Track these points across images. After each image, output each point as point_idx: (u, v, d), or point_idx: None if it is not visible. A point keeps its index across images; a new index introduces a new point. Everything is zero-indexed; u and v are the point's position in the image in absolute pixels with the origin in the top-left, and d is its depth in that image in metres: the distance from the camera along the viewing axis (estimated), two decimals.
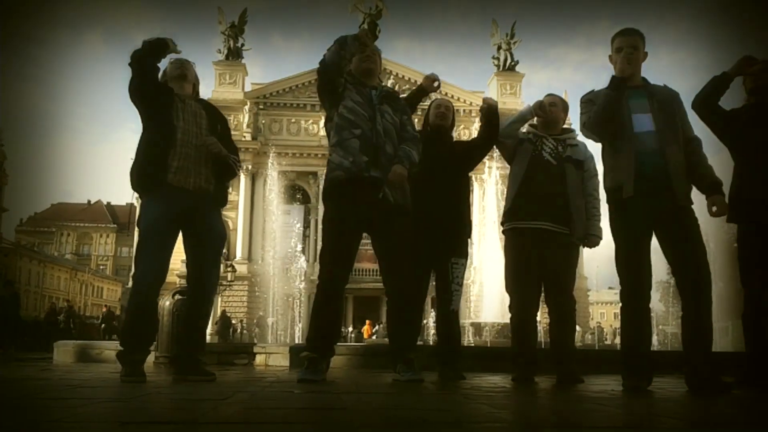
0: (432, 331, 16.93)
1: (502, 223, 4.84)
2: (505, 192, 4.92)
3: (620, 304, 4.21)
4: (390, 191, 4.22)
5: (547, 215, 4.60)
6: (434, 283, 4.95)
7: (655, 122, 4.13)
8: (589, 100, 4.34)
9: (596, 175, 4.88)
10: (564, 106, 4.98)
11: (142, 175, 4.28)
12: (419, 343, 5.50)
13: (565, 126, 5.02)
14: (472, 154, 5.09)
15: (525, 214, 4.64)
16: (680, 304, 4.08)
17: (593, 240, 4.78)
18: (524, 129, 4.97)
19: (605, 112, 4.14)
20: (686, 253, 4.04)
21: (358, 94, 4.33)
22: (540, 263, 4.64)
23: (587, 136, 4.39)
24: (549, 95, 5.01)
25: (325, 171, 4.47)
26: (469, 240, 5.05)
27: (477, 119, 42.53)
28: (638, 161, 4.04)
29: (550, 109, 4.85)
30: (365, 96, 4.35)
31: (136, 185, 4.32)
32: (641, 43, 4.26)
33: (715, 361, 3.98)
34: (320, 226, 4.56)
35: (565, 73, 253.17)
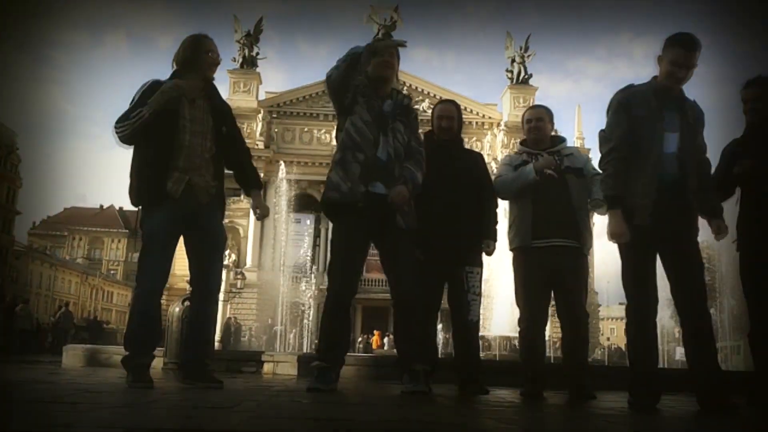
0: (441, 341, 16.83)
1: (510, 243, 4.78)
2: (509, 218, 4.83)
3: (626, 321, 4.12)
4: (400, 217, 4.21)
5: (557, 231, 4.57)
6: (447, 293, 4.89)
7: (681, 144, 3.92)
8: (616, 118, 3.97)
9: (597, 174, 4.51)
10: (550, 118, 4.89)
11: (143, 188, 4.20)
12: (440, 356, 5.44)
13: (554, 134, 4.94)
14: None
15: (533, 233, 4.60)
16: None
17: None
18: (515, 150, 4.87)
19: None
20: (687, 275, 3.95)
21: (368, 110, 4.25)
22: (551, 279, 4.61)
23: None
24: (533, 109, 4.95)
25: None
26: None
27: (490, 132, 42.69)
28: (659, 189, 3.84)
29: (537, 125, 4.82)
30: (375, 112, 4.26)
31: (137, 200, 4.25)
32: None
33: (725, 380, 3.93)
34: (330, 236, 4.54)
35: (584, 86, 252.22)
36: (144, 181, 4.21)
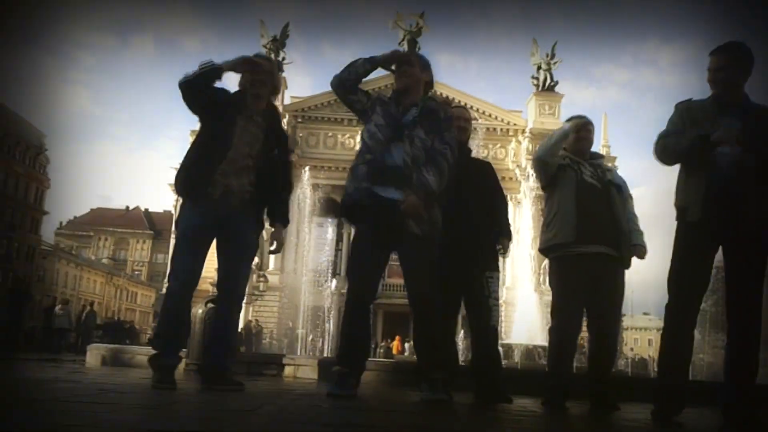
0: (460, 347, 16.72)
1: (550, 250, 4.68)
2: (546, 218, 4.77)
3: (662, 327, 3.97)
4: (412, 222, 4.08)
5: (602, 238, 4.51)
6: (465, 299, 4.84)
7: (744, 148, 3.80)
8: (672, 120, 4.04)
9: (631, 197, 4.89)
10: (593, 130, 4.91)
11: (188, 181, 4.32)
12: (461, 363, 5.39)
13: (593, 150, 4.93)
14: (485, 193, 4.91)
15: (579, 239, 4.51)
16: (717, 333, 3.94)
17: (639, 249, 4.72)
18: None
19: (679, 158, 3.96)
20: (739, 283, 3.81)
21: (383, 116, 4.24)
22: (587, 287, 4.54)
23: (657, 155, 4.05)
24: (580, 119, 4.84)
25: None
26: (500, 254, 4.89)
27: (514, 139, 42.56)
28: (713, 184, 3.77)
29: (586, 136, 4.80)
30: (391, 118, 4.23)
31: (181, 190, 4.37)
32: (741, 61, 3.94)
33: (754, 395, 3.83)
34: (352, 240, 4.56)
35: (609, 93, 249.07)
36: (190, 176, 4.32)
